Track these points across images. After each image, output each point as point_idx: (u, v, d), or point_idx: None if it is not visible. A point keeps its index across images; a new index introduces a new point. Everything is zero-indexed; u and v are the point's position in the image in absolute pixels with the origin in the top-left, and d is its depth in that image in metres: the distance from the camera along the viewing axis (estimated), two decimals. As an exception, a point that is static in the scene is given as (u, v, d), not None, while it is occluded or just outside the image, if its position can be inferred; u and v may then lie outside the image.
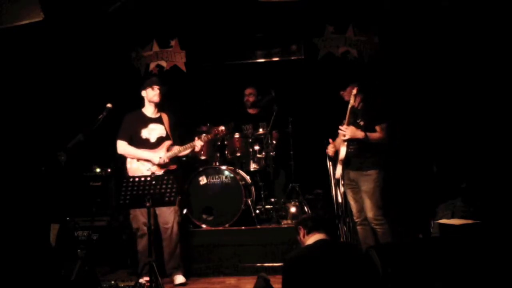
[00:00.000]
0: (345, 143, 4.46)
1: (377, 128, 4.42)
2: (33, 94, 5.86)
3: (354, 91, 4.41)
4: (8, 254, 4.32)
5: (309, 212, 5.57)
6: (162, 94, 4.83)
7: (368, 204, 4.42)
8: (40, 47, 5.80)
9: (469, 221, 4.32)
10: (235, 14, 6.24)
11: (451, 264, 3.43)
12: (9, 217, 4.90)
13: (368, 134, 4.35)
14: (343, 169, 4.55)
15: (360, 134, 4.34)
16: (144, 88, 4.85)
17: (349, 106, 4.42)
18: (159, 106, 4.89)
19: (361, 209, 4.54)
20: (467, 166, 5.40)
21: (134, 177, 4.02)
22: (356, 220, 4.59)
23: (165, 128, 4.84)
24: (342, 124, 4.48)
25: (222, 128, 5.01)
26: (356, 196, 4.56)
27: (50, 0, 5.20)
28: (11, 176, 5.32)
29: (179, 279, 4.69)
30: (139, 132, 4.79)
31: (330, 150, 4.68)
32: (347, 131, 4.35)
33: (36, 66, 5.85)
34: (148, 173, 4.47)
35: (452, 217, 4.86)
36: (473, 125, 5.50)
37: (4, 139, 5.44)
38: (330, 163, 4.86)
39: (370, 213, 4.41)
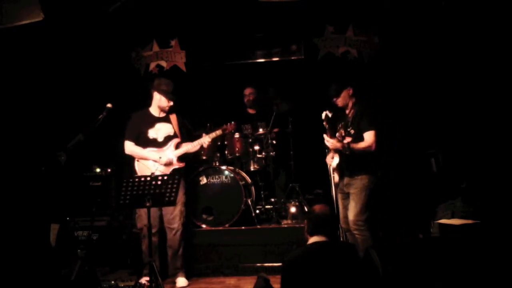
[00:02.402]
0: (333, 151, 4.46)
1: (365, 136, 4.32)
2: (33, 94, 5.86)
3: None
4: (8, 254, 4.32)
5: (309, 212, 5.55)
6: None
7: (352, 206, 4.37)
8: (40, 47, 5.80)
9: (469, 221, 4.33)
10: (235, 14, 6.24)
11: (451, 264, 3.43)
12: (9, 217, 4.90)
13: (352, 145, 4.21)
14: (339, 175, 4.57)
15: (340, 146, 4.25)
16: (158, 92, 4.76)
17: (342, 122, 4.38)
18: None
19: (347, 215, 4.50)
20: (467, 166, 5.40)
21: (134, 177, 4.03)
22: (343, 227, 4.55)
23: (173, 127, 4.84)
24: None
25: (232, 123, 5.00)
26: (345, 202, 4.54)
27: (50, 0, 5.20)
28: (11, 176, 5.32)
29: (181, 282, 4.70)
30: (146, 132, 4.78)
31: (329, 160, 4.65)
32: (328, 143, 4.34)
33: (36, 66, 5.85)
34: (156, 172, 4.47)
35: (452, 217, 4.86)
36: (473, 125, 5.50)
37: (4, 139, 5.44)
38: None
39: (351, 216, 4.36)
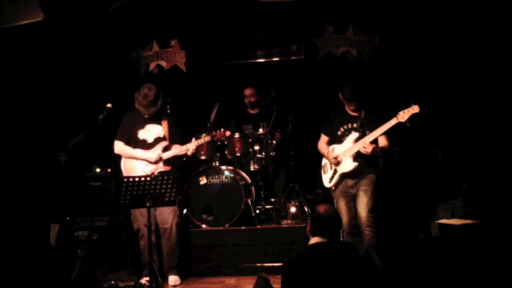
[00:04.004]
0: (354, 154, 4.42)
1: (380, 138, 4.39)
2: (33, 94, 5.86)
3: (415, 110, 4.17)
4: (8, 254, 4.32)
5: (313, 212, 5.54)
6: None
7: (364, 203, 4.40)
8: (40, 47, 5.80)
9: (469, 221, 4.33)
10: (235, 14, 6.25)
11: (451, 264, 3.43)
12: (9, 217, 4.90)
13: (381, 148, 4.39)
14: (341, 179, 4.54)
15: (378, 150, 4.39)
16: (135, 102, 4.66)
17: (394, 123, 4.23)
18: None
19: (352, 218, 4.50)
20: (467, 166, 5.40)
21: (134, 177, 4.02)
22: (344, 231, 4.51)
23: (163, 129, 4.83)
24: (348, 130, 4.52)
25: (222, 130, 5.00)
26: (349, 204, 4.52)
27: (50, 0, 5.21)
28: (11, 175, 5.32)
29: (174, 280, 4.70)
30: (136, 133, 4.77)
31: (332, 159, 4.52)
32: (369, 148, 4.30)
33: (36, 66, 5.85)
34: (142, 173, 4.45)
35: (452, 217, 4.87)
36: (473, 125, 5.50)
37: (4, 139, 5.44)
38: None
39: (364, 213, 4.39)
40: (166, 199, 4.04)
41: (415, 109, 4.16)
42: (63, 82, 6.16)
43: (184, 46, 6.69)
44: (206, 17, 6.31)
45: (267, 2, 5.62)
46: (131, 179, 3.93)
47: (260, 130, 5.74)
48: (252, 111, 6.25)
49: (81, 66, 6.28)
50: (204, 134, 4.92)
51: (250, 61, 6.87)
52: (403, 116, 4.17)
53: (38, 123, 5.80)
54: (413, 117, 4.16)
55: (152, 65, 6.74)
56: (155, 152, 4.72)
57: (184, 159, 5.25)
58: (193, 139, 4.85)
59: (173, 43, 6.70)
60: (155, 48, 6.73)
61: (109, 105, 4.40)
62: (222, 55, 6.75)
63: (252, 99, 6.14)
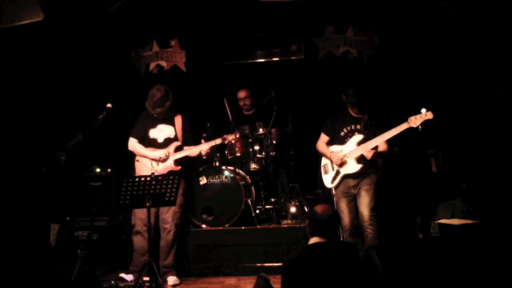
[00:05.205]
0: (358, 156, 4.43)
1: (382, 142, 4.41)
2: (33, 94, 5.86)
3: (429, 116, 4.17)
4: (8, 254, 4.32)
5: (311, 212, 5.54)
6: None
7: (367, 202, 4.42)
8: (40, 47, 5.80)
9: (469, 221, 4.33)
10: (235, 14, 6.24)
11: (451, 264, 3.43)
12: (9, 217, 4.90)
13: (381, 153, 4.42)
14: (342, 179, 4.55)
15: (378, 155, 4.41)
16: (147, 102, 4.80)
17: (405, 127, 4.25)
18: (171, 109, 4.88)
19: (354, 218, 4.52)
20: (467, 166, 5.40)
21: (134, 177, 4.04)
22: (346, 231, 4.51)
23: (175, 130, 4.88)
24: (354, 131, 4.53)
25: (232, 136, 5.03)
26: (350, 204, 4.54)
27: (50, 0, 5.21)
28: (11, 175, 5.32)
29: (173, 280, 4.73)
30: (147, 132, 4.86)
31: (337, 160, 4.52)
32: (370, 154, 4.34)
33: (36, 66, 5.85)
34: (152, 171, 4.48)
35: (452, 217, 4.87)
36: (473, 125, 5.50)
37: (4, 139, 5.44)
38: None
39: (367, 211, 4.41)
40: (166, 199, 4.04)
41: (428, 115, 4.18)
42: (63, 82, 6.15)
43: (184, 46, 6.69)
44: (206, 17, 6.31)
45: (267, 2, 5.62)
46: (131, 179, 3.94)
47: (260, 130, 5.74)
48: (247, 112, 6.20)
49: (81, 66, 6.28)
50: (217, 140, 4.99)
51: (250, 61, 6.87)
52: (415, 121, 4.19)
53: (38, 123, 5.80)
54: (425, 122, 4.17)
55: (152, 65, 6.74)
56: (164, 151, 4.76)
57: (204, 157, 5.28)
58: (202, 140, 4.93)
59: (173, 43, 6.70)
60: (155, 48, 6.73)
61: (109, 105, 4.42)
62: (222, 55, 6.75)
63: (248, 102, 6.08)
